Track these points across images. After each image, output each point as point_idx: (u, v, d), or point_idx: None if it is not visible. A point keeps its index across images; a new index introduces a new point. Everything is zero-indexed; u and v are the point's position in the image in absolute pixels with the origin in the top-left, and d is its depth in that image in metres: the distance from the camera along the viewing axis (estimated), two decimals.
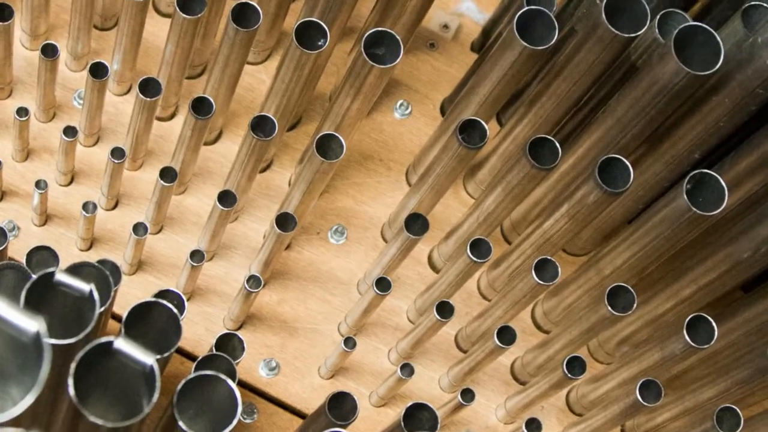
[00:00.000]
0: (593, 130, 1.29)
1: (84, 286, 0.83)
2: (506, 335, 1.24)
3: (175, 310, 0.95)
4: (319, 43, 1.19)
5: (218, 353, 1.08)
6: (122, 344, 0.79)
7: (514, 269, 1.37)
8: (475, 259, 1.23)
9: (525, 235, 1.34)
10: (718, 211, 1.15)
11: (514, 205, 1.31)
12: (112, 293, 1.01)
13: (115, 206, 1.37)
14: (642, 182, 1.33)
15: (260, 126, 1.20)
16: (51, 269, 0.83)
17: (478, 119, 1.22)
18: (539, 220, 1.31)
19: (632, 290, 1.21)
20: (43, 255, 1.13)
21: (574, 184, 1.24)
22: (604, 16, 1.15)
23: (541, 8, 1.20)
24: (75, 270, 0.93)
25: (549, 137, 1.22)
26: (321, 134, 1.19)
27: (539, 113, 1.32)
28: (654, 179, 1.32)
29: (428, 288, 1.36)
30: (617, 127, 1.25)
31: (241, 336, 1.16)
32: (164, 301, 0.95)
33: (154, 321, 0.97)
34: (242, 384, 1.33)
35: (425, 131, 1.52)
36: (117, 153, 1.26)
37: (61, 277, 0.83)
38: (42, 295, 0.84)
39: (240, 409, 0.87)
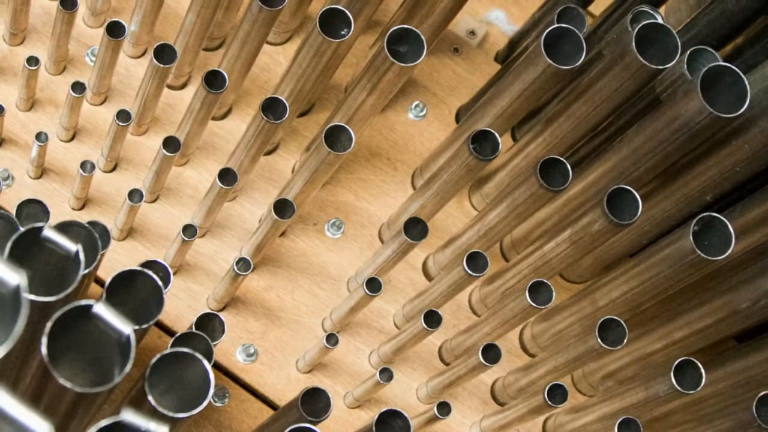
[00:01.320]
0: (607, 158, 1.29)
1: (71, 246, 0.83)
2: (491, 353, 1.23)
3: (160, 283, 0.95)
4: (342, 32, 1.19)
5: (197, 332, 1.08)
6: (101, 309, 0.79)
7: (508, 288, 1.37)
8: (470, 272, 1.23)
9: (524, 254, 1.34)
10: (723, 257, 1.15)
11: (517, 223, 1.31)
12: (99, 256, 1.01)
13: (114, 169, 1.37)
14: (649, 217, 1.33)
15: (271, 108, 1.20)
16: (40, 224, 0.83)
17: (492, 131, 1.22)
18: (540, 242, 1.31)
19: (624, 325, 1.21)
20: (34, 208, 1.13)
21: (580, 210, 1.24)
22: (634, 44, 1.15)
23: (571, 27, 1.20)
24: (64, 228, 0.93)
25: (561, 159, 1.22)
26: (331, 125, 1.19)
27: (555, 133, 1.32)
28: (662, 215, 1.32)
29: (419, 295, 1.36)
30: (632, 158, 1.25)
31: (222, 318, 1.16)
32: (150, 272, 0.95)
33: (137, 291, 0.97)
34: (217, 366, 1.33)
35: (437, 136, 1.52)
36: (123, 116, 1.26)
37: (49, 233, 0.83)
38: (27, 249, 0.84)
39: (212, 391, 0.86)
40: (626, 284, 1.28)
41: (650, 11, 1.27)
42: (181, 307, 1.34)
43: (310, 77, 1.24)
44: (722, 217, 1.16)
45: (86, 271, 0.88)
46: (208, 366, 0.87)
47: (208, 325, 1.17)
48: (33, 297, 0.79)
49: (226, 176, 1.23)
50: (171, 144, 1.24)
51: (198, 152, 1.41)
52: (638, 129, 1.24)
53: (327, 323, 1.37)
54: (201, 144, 1.41)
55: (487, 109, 1.33)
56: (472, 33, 1.62)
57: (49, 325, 0.77)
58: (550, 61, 1.19)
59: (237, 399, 1.33)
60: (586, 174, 1.33)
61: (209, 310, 1.27)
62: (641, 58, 1.15)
